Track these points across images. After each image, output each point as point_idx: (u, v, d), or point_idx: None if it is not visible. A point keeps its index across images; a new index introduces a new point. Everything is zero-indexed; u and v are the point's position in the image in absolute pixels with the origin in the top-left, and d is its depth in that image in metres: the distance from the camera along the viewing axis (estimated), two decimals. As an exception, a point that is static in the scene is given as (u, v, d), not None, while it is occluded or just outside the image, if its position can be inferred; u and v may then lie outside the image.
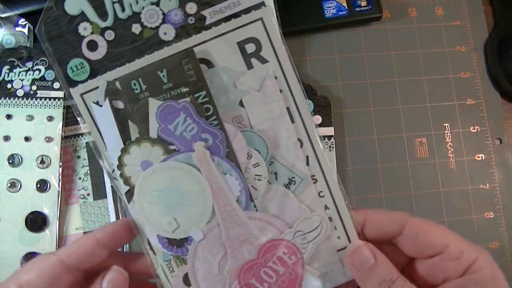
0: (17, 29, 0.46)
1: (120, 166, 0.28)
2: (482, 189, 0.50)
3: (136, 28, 0.28)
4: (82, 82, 0.28)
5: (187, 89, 0.28)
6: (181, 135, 0.28)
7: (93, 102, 0.28)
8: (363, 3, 0.50)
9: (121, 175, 0.28)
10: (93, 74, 0.28)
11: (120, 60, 0.28)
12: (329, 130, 0.48)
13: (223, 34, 0.28)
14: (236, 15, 0.28)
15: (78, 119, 0.29)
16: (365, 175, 0.49)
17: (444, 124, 0.51)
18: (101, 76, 0.28)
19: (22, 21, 0.46)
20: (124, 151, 0.28)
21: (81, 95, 0.29)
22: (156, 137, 0.28)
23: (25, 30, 0.46)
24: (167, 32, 0.28)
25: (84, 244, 0.28)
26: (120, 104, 0.28)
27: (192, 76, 0.28)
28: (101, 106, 0.28)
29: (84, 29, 0.28)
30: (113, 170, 0.29)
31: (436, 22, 0.53)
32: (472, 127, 0.51)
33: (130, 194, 0.29)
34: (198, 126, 0.28)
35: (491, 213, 0.49)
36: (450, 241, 0.26)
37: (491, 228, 0.49)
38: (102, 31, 0.28)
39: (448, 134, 0.50)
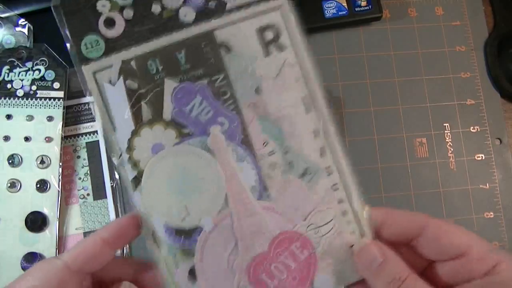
0: (17, 29, 0.46)
1: (130, 149, 0.27)
2: (482, 189, 0.49)
3: (156, 8, 0.28)
4: (96, 60, 0.28)
5: (205, 71, 0.27)
6: (196, 118, 0.27)
7: (106, 82, 0.28)
8: (363, 3, 0.50)
9: (130, 158, 0.27)
10: (107, 52, 0.28)
11: (137, 39, 0.28)
12: (329, 130, 0.48)
13: (243, 20, 0.28)
14: (256, 2, 0.28)
15: (88, 98, 0.28)
16: (365, 175, 0.49)
17: (444, 124, 0.51)
18: (117, 54, 0.28)
19: (22, 21, 0.46)
20: (135, 133, 0.27)
21: (94, 73, 0.28)
22: (170, 120, 0.27)
23: (25, 30, 0.46)
24: (187, 14, 0.28)
25: (89, 245, 0.26)
26: (133, 85, 0.28)
27: (211, 59, 0.27)
28: (113, 85, 0.27)
29: (102, 6, 0.27)
30: (120, 155, 0.28)
31: (436, 22, 0.53)
32: (472, 127, 0.51)
33: (137, 181, 0.28)
34: (215, 109, 0.27)
35: (491, 213, 0.49)
36: (473, 242, 0.26)
37: (491, 228, 0.49)
38: (121, 9, 0.28)
39: (448, 134, 0.50)
